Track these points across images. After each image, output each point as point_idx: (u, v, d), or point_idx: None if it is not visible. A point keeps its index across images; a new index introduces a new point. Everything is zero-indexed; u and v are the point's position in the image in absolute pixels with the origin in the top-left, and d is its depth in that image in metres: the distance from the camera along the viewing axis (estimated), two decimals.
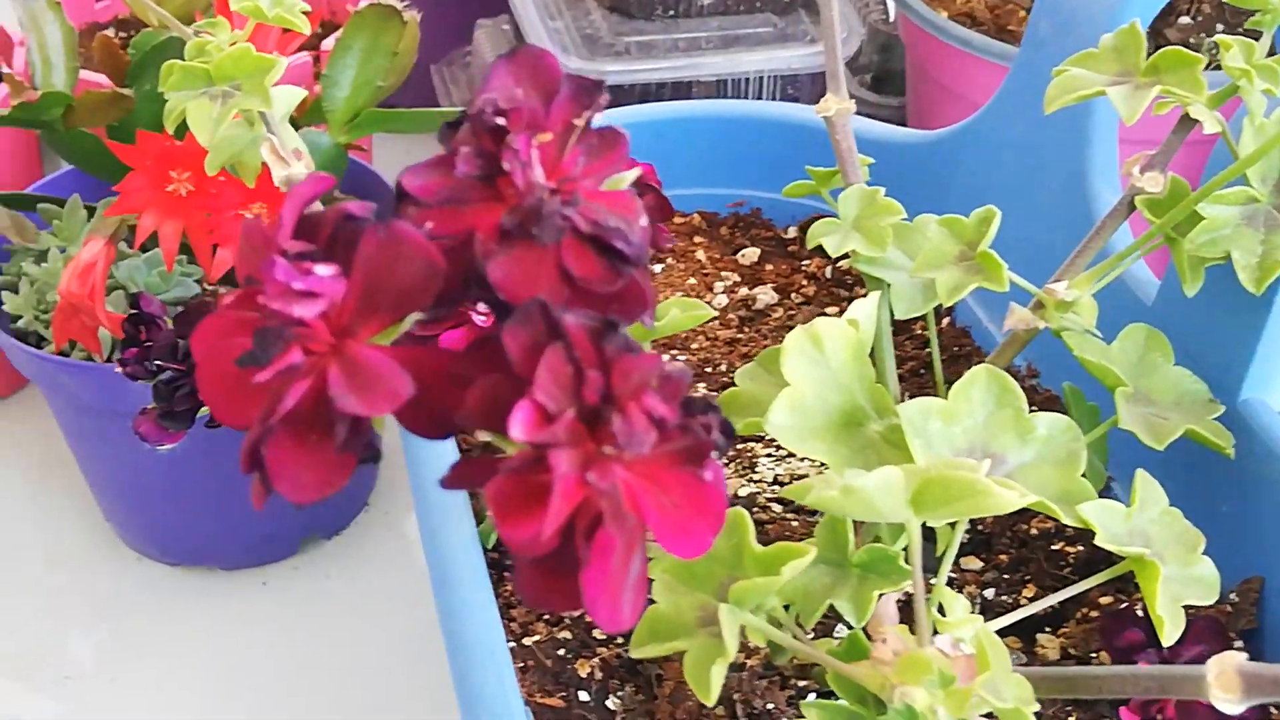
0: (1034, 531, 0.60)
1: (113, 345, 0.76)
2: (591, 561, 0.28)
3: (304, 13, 0.64)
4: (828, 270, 0.74)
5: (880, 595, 0.47)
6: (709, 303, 0.72)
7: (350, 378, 0.27)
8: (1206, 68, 0.51)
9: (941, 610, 0.49)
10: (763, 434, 0.62)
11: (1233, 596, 0.54)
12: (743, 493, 0.62)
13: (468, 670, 0.49)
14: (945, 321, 0.72)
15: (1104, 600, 0.57)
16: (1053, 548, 0.59)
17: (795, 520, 0.61)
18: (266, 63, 0.60)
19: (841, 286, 0.73)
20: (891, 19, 1.03)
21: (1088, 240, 0.55)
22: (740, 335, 0.69)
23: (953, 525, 0.50)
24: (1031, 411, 0.51)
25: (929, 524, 0.47)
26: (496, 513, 0.27)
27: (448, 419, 0.28)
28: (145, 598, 0.86)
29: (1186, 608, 0.49)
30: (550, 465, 0.27)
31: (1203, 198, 0.51)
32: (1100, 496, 0.53)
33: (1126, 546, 0.49)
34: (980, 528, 0.61)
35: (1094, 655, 0.56)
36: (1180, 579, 0.49)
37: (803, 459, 0.66)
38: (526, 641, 0.55)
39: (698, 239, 0.75)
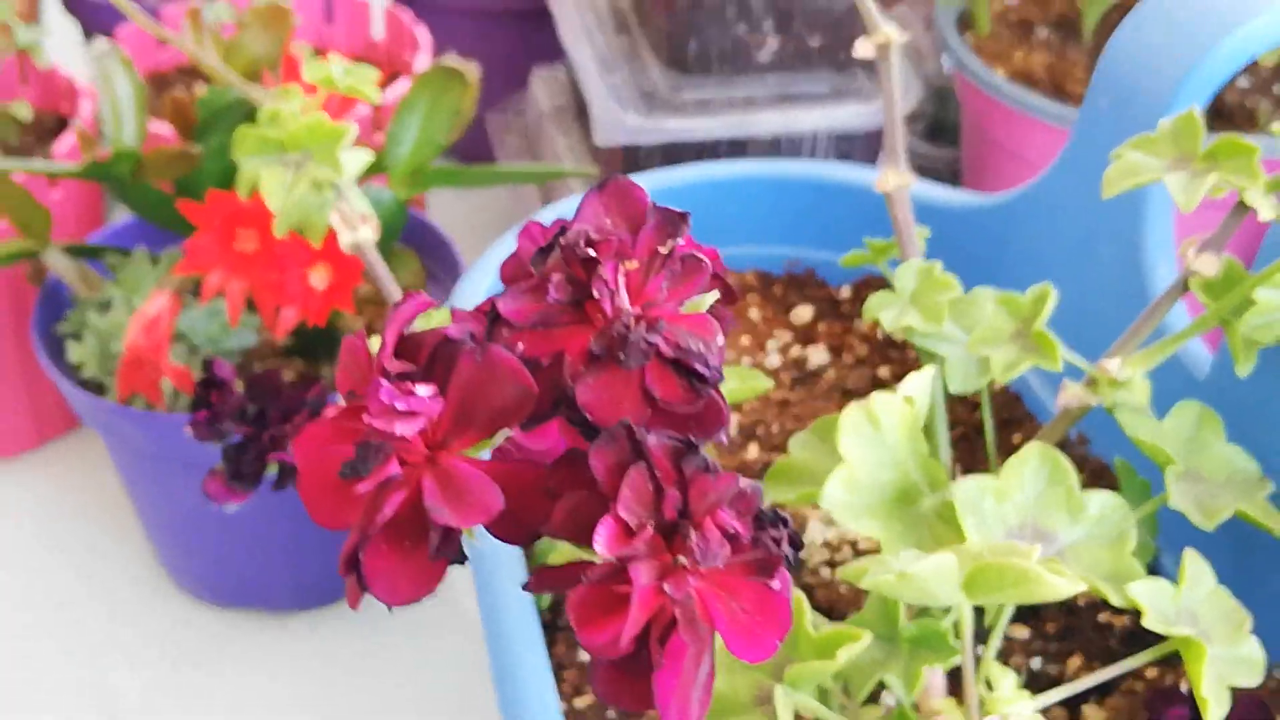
0: (1081, 601, 0.61)
1: (174, 395, 0.77)
2: (665, 665, 0.29)
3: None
4: (880, 331, 0.75)
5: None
6: (761, 362, 0.73)
7: (444, 489, 0.29)
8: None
9: (989, 684, 0.50)
10: None
11: (1278, 674, 0.55)
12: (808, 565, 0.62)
13: None
14: (997, 386, 0.73)
15: (1150, 673, 0.57)
16: (1099, 618, 0.60)
17: (844, 587, 0.61)
18: (338, 132, 0.61)
19: (894, 348, 0.74)
20: (946, 70, 1.04)
21: (1143, 318, 0.55)
22: (792, 396, 0.70)
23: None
24: (1081, 480, 0.52)
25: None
26: (576, 619, 0.28)
27: (533, 529, 0.30)
28: (195, 639, 0.87)
29: (1231, 687, 0.50)
30: (630, 577, 0.28)
31: (1259, 284, 0.51)
32: (1149, 570, 0.54)
33: (1174, 627, 0.49)
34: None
35: None
36: (1227, 659, 0.50)
37: None
38: (578, 704, 0.56)
39: (751, 297, 0.76)
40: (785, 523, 0.29)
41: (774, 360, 0.73)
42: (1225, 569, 0.53)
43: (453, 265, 0.85)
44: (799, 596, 0.42)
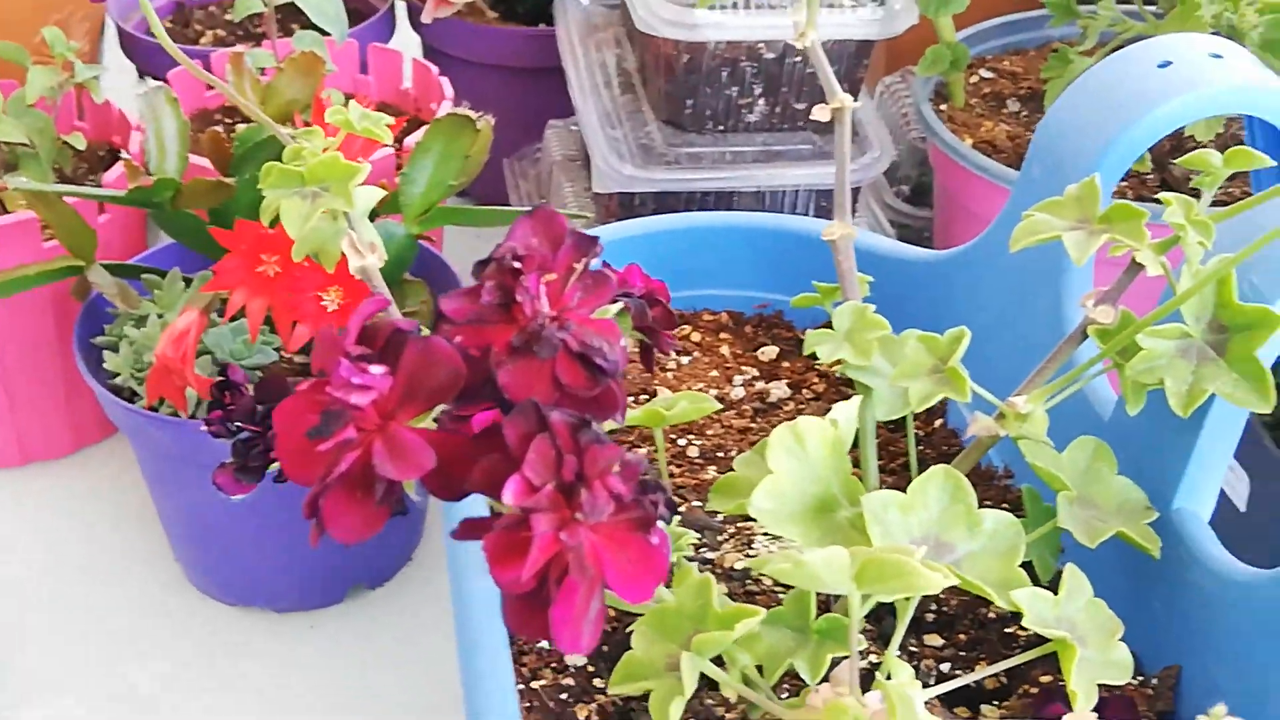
0: (992, 615, 0.68)
1: (197, 403, 0.85)
2: (559, 600, 0.36)
3: (392, 116, 0.73)
4: (836, 370, 0.82)
5: (837, 658, 0.55)
6: (727, 394, 0.80)
7: (389, 451, 0.36)
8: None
9: (889, 676, 0.57)
10: None
11: (1154, 681, 0.62)
12: (739, 566, 0.70)
13: (481, 705, 0.57)
14: (939, 423, 0.80)
15: (1045, 679, 0.64)
16: (1006, 630, 0.67)
17: (783, 594, 0.68)
18: (351, 169, 0.69)
19: (848, 385, 0.81)
20: (923, 139, 1.12)
21: (1046, 361, 0.63)
22: (753, 425, 0.78)
23: (907, 601, 0.58)
24: (1001, 508, 0.59)
25: (886, 600, 0.55)
26: (490, 558, 0.36)
27: (460, 486, 0.37)
28: (204, 633, 0.95)
29: (1108, 686, 0.57)
30: (532, 525, 0.35)
31: (1140, 329, 0.59)
32: (1048, 587, 0.61)
33: (1052, 630, 0.56)
34: (945, 609, 0.68)
35: None
36: (1099, 661, 0.57)
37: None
38: (535, 685, 0.63)
39: (724, 335, 0.84)
40: (663, 489, 0.37)
41: (739, 392, 0.80)
42: (1115, 589, 0.60)
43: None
44: (706, 578, 0.49)
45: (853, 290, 0.68)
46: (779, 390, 0.80)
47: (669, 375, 0.81)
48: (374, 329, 0.38)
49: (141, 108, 0.91)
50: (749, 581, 0.70)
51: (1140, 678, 0.63)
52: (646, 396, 0.79)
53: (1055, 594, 0.57)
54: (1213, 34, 0.87)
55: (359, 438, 0.37)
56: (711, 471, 0.75)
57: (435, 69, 1.12)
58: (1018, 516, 0.58)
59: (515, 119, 1.16)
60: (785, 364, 0.82)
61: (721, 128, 0.98)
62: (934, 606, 0.68)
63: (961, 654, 0.66)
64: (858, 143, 0.99)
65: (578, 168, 1.11)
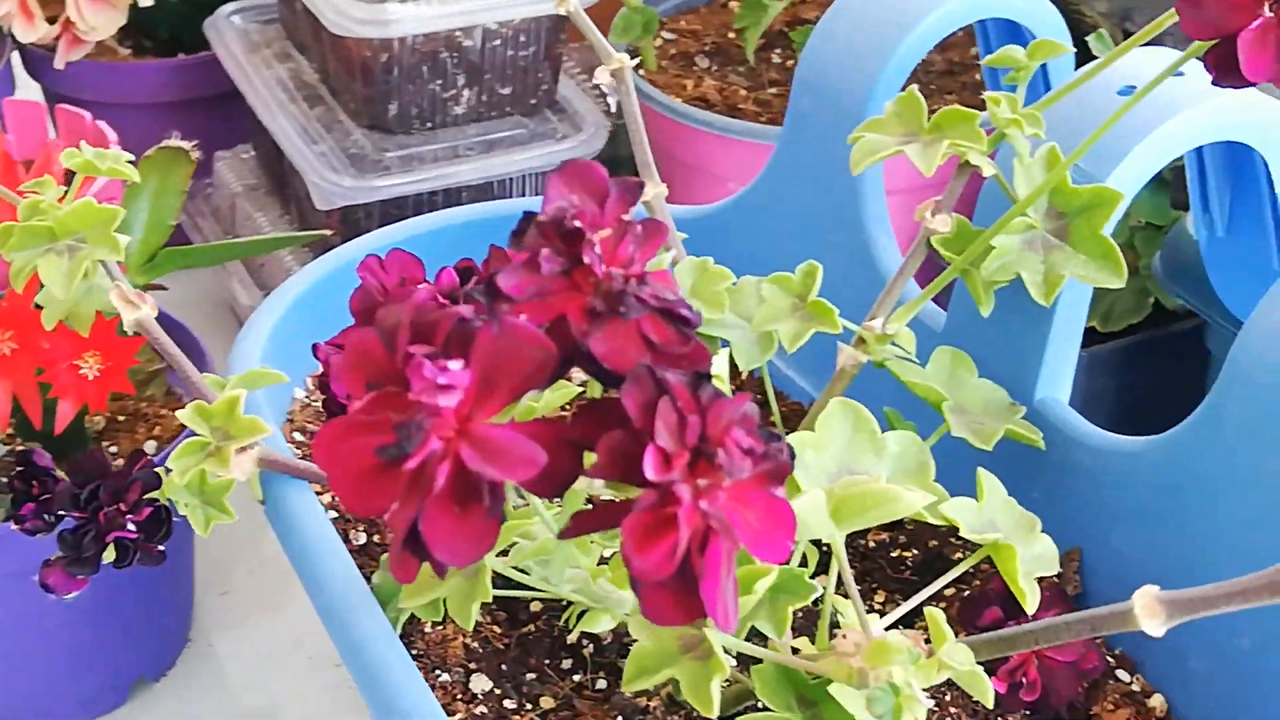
0: (872, 544, 0.67)
1: None
2: (708, 574, 0.32)
3: None
4: None
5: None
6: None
7: (483, 453, 0.32)
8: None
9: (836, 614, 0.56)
10: None
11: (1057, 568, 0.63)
12: None
13: None
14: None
15: (948, 593, 0.64)
16: (892, 555, 0.66)
17: None
18: (109, 213, 0.62)
19: None
20: (614, 110, 1.11)
21: (893, 281, 0.62)
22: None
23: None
24: None
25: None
26: (632, 545, 0.32)
27: (565, 477, 0.33)
28: None
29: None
30: (677, 498, 0.31)
31: (996, 233, 0.59)
32: None
33: (984, 534, 0.56)
34: (823, 548, 0.67)
35: None
36: (1027, 557, 0.57)
37: None
38: None
39: None
40: (782, 437, 0.34)
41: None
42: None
43: (192, 344, 0.85)
44: None
45: (678, 249, 0.66)
46: None
47: None
48: (429, 322, 0.33)
49: None
50: None
51: None
52: None
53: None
54: None
55: (444, 447, 0.32)
56: None
57: (88, 115, 1.02)
58: None
59: None
60: None
61: (430, 125, 0.94)
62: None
63: (858, 587, 0.65)
64: (570, 120, 0.97)
65: (263, 195, 1.04)
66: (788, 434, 0.56)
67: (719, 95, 0.99)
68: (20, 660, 0.81)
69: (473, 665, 0.62)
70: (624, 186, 0.36)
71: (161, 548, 0.57)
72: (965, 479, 0.58)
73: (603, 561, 0.50)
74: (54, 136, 1.05)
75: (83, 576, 0.56)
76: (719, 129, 0.94)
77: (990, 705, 0.45)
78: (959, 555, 0.65)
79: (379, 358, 0.33)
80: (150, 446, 0.82)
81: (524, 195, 0.95)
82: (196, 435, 0.64)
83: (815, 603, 0.52)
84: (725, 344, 0.64)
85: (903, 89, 0.66)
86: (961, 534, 0.55)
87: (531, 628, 0.64)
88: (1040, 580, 0.60)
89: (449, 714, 0.58)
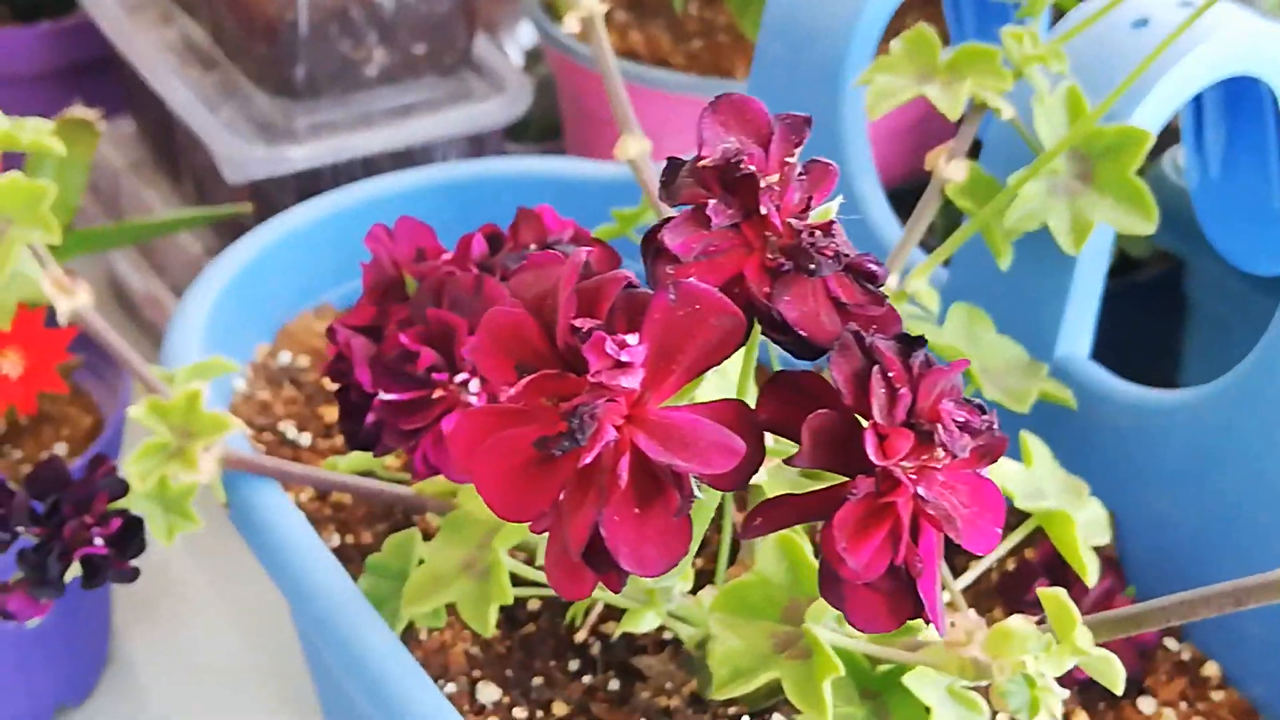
0: None
1: None
2: (926, 568, 0.28)
3: None
4: None
5: None
6: None
7: (667, 442, 0.26)
8: None
9: None
10: None
11: None
12: None
13: None
14: None
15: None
16: None
17: None
18: (38, 190, 0.55)
19: None
20: (520, 68, 1.05)
21: (905, 236, 0.58)
22: None
23: None
24: None
25: None
26: (847, 541, 0.27)
27: (753, 467, 0.28)
28: None
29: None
30: (899, 484, 0.27)
31: (1025, 181, 0.55)
32: None
33: (1038, 503, 0.52)
34: None
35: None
36: (1080, 525, 0.54)
37: None
38: None
39: None
40: (985, 408, 0.29)
41: None
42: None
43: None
44: (790, 535, 0.42)
45: (664, 207, 0.61)
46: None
47: None
48: (590, 293, 0.28)
49: None
50: None
51: None
52: None
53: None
54: None
55: (620, 436, 0.26)
56: None
57: None
58: None
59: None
60: None
61: (340, 89, 0.87)
62: None
63: None
64: (490, 80, 0.90)
65: (152, 171, 0.96)
66: None
67: (645, 49, 0.94)
68: None
69: (476, 673, 0.57)
70: (790, 124, 0.31)
71: (134, 563, 0.50)
72: None
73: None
74: None
75: (46, 600, 0.49)
76: (653, 83, 0.89)
77: (1121, 693, 0.41)
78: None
79: (532, 335, 0.28)
80: (60, 450, 0.75)
81: (445, 161, 0.89)
82: (150, 436, 0.57)
83: None
84: None
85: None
86: (1018, 505, 0.51)
87: (532, 628, 0.59)
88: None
89: None
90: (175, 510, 0.54)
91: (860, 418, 0.28)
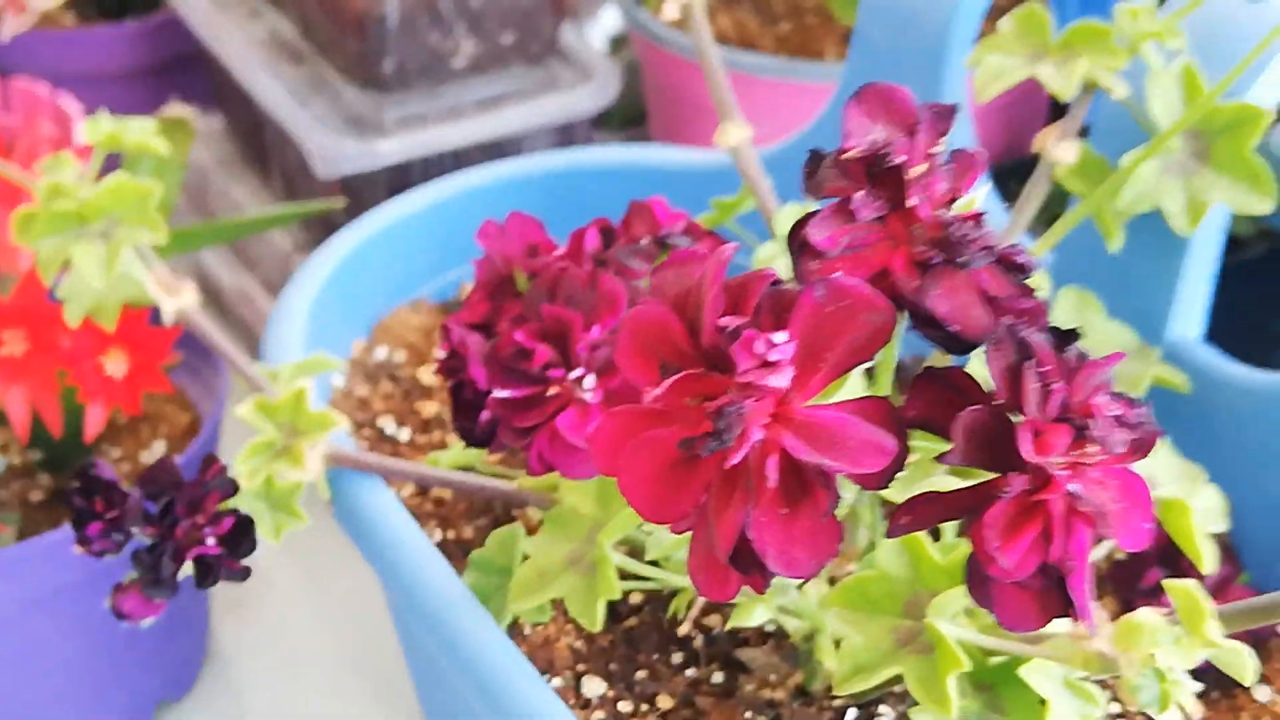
0: None
1: None
2: (1077, 568, 0.27)
3: None
4: None
5: None
6: None
7: (815, 442, 0.26)
8: None
9: None
10: None
11: None
12: None
13: None
14: None
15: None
16: None
17: None
18: (146, 191, 0.55)
19: None
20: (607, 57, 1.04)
21: (1014, 220, 0.57)
22: None
23: None
24: None
25: None
26: (996, 540, 0.26)
27: (900, 465, 0.27)
28: None
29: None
30: (1053, 481, 0.26)
31: (1140, 162, 0.54)
32: None
33: (1153, 491, 0.51)
34: None
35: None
36: (1197, 513, 0.52)
37: None
38: None
39: None
40: (1138, 401, 0.28)
41: None
42: None
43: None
44: (911, 535, 0.41)
45: (769, 197, 0.61)
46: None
47: None
48: (739, 288, 0.27)
49: None
50: None
51: None
52: None
53: None
54: None
55: (766, 436, 0.26)
56: None
57: (45, 85, 0.94)
58: None
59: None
60: None
61: (430, 81, 0.86)
62: None
63: None
64: (577, 68, 0.90)
65: (241, 167, 0.97)
66: None
67: (734, 32, 0.93)
68: (40, 688, 0.74)
69: (581, 667, 0.56)
70: (936, 113, 0.31)
71: (245, 562, 0.50)
72: None
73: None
74: None
75: (160, 600, 0.49)
76: (741, 68, 0.88)
77: (1249, 684, 0.40)
78: None
79: (675, 334, 0.27)
80: (160, 447, 0.75)
81: (534, 151, 0.88)
82: (250, 434, 0.57)
83: None
84: None
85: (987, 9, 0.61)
86: None
87: (635, 621, 0.58)
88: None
89: None
90: (282, 508, 0.54)
91: (1012, 413, 0.27)
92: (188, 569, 0.50)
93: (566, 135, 0.89)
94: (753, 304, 0.27)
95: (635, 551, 0.53)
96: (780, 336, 0.26)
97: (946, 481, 0.30)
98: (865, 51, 0.68)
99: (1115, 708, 0.53)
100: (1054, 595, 0.28)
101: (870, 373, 0.55)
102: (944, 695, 0.38)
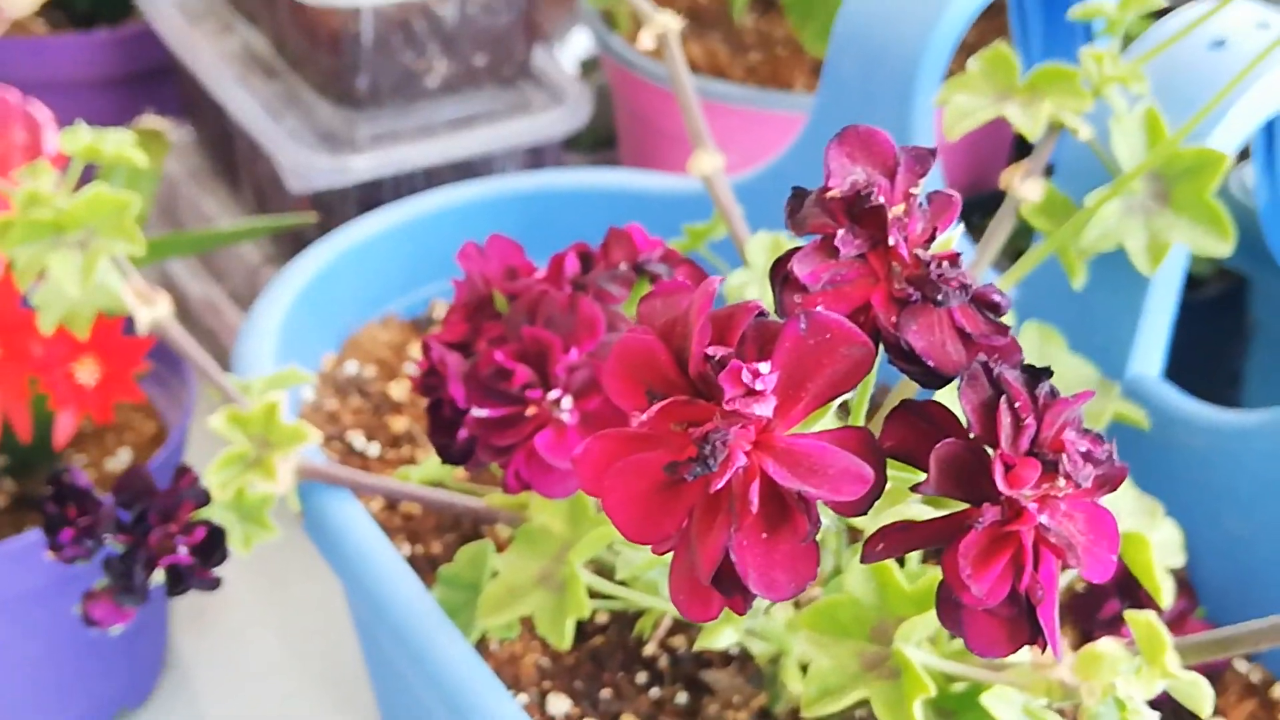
0: None
1: None
2: (1046, 596, 0.28)
3: None
4: None
5: None
6: None
7: (795, 469, 0.27)
8: None
9: None
10: None
11: None
12: None
13: None
14: None
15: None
16: None
17: None
18: (123, 202, 0.55)
19: None
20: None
21: (979, 255, 0.58)
22: None
23: None
24: None
25: None
26: (972, 568, 0.27)
27: (877, 494, 0.28)
28: None
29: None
30: (1025, 513, 0.27)
31: (1104, 202, 0.55)
32: None
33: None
34: None
35: None
36: (1155, 546, 0.54)
37: None
38: None
39: None
40: (1104, 437, 0.29)
41: None
42: None
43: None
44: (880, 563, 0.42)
45: (740, 225, 0.62)
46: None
47: None
48: (725, 319, 0.28)
49: None
50: None
51: None
52: None
53: None
54: None
55: (749, 462, 0.27)
56: None
57: (16, 92, 0.94)
58: None
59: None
60: None
61: (402, 99, 0.87)
62: None
63: None
64: (549, 91, 0.91)
65: (211, 180, 0.97)
66: None
67: (704, 61, 0.94)
68: (0, 692, 0.74)
69: (546, 684, 0.57)
70: (915, 156, 0.32)
71: (216, 572, 0.51)
72: None
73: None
74: None
75: (130, 607, 0.50)
76: (711, 96, 0.90)
77: (1207, 717, 0.41)
78: None
79: (663, 362, 0.28)
80: (125, 456, 0.75)
81: (505, 172, 0.89)
82: (218, 445, 0.58)
83: None
84: None
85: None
86: None
87: (601, 640, 0.59)
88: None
89: None
90: (252, 519, 0.55)
91: (986, 447, 0.28)
92: (159, 577, 0.50)
93: (537, 157, 0.90)
94: (738, 335, 0.28)
95: (603, 570, 0.53)
96: (764, 366, 0.27)
97: (914, 510, 0.31)
98: (835, 85, 0.69)
99: None
100: (1023, 623, 0.29)
101: (844, 406, 0.57)
102: (908, 718, 0.39)
